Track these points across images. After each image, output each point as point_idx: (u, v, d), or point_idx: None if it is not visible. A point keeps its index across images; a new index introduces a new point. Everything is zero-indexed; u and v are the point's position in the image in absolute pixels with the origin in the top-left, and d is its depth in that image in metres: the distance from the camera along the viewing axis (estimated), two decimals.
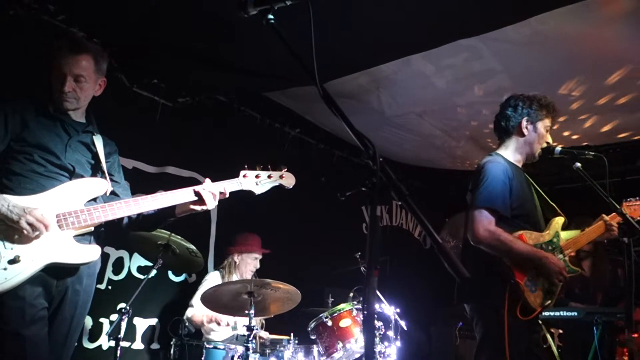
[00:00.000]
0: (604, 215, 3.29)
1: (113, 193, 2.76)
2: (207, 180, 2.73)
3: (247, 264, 4.60)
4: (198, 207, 2.70)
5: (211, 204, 2.68)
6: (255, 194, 2.86)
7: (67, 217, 2.42)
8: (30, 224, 2.28)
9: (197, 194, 2.66)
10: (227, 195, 2.76)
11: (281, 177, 2.91)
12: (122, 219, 2.64)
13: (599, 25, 3.74)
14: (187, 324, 4.28)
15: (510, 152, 3.20)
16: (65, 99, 2.59)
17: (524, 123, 3.16)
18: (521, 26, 3.74)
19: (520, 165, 3.23)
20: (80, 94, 2.62)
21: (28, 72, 3.51)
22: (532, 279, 2.93)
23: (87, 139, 2.71)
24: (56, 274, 2.44)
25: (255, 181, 2.84)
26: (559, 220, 3.20)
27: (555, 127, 3.29)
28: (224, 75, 4.67)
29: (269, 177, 2.88)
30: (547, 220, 3.22)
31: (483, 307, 2.98)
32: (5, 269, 2.25)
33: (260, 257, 4.68)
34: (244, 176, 2.83)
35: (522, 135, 3.18)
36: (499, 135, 3.28)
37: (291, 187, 2.96)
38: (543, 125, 3.18)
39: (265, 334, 4.36)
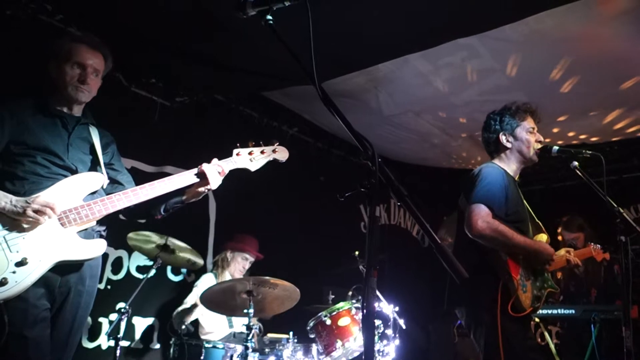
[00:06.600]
0: (571, 250, 3.74)
1: (116, 182, 2.77)
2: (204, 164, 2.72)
3: (237, 263, 4.58)
4: (203, 188, 2.70)
5: (216, 182, 2.68)
6: (250, 170, 2.84)
7: (67, 214, 2.41)
8: (36, 211, 2.28)
9: (201, 174, 2.66)
10: (226, 173, 2.74)
11: (274, 151, 2.89)
12: (126, 208, 2.61)
13: (598, 24, 3.76)
14: (177, 326, 4.26)
15: (505, 164, 3.21)
16: (82, 89, 2.59)
17: (502, 138, 3.19)
18: (519, 25, 3.76)
19: (517, 175, 3.25)
20: (92, 88, 2.64)
21: (25, 72, 3.50)
22: (524, 277, 2.95)
23: (85, 132, 2.70)
24: (61, 272, 2.44)
25: (249, 158, 2.83)
26: (543, 237, 3.25)
27: (539, 123, 3.30)
28: (222, 74, 4.67)
29: (262, 152, 2.86)
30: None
31: (475, 306, 2.98)
32: (14, 272, 2.24)
33: (252, 259, 4.66)
34: (238, 154, 2.81)
35: (507, 148, 3.20)
36: (490, 155, 3.31)
37: (285, 160, 2.93)
38: (524, 129, 3.18)
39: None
